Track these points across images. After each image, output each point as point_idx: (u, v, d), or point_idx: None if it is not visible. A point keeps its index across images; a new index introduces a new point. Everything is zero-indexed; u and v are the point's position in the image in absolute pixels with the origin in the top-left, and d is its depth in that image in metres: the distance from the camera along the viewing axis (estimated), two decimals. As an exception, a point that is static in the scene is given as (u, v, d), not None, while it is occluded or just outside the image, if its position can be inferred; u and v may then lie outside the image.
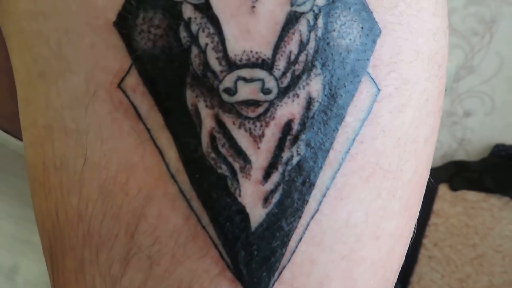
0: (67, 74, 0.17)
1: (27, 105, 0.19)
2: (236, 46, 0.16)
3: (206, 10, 0.15)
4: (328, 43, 0.16)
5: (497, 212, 1.10)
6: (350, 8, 0.16)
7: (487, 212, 1.10)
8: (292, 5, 0.15)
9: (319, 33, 0.16)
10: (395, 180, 0.18)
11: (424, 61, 0.18)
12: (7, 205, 0.36)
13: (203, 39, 0.16)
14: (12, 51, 0.20)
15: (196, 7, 0.15)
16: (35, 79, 0.18)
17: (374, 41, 0.17)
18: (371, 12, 0.16)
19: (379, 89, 0.17)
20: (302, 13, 0.16)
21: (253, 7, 0.15)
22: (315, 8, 0.16)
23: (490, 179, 1.12)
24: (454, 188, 1.14)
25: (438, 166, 1.26)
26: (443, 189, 1.14)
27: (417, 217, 0.23)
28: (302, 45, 0.16)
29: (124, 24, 0.16)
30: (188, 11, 0.15)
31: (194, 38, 0.16)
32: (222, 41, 0.16)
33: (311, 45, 0.16)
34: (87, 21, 0.16)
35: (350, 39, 0.16)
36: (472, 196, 1.12)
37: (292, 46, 0.16)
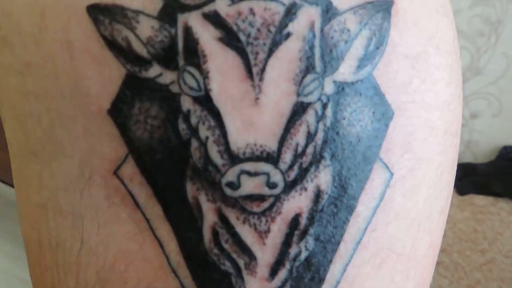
0: (60, 156, 0.16)
1: (21, 178, 0.18)
2: (239, 139, 0.14)
3: (206, 102, 0.14)
4: (337, 133, 0.15)
5: (506, 216, 1.08)
6: (361, 94, 0.15)
7: (496, 217, 1.09)
8: (298, 95, 0.14)
9: (328, 123, 0.15)
10: (408, 262, 0.17)
11: (438, 135, 0.17)
12: (4, 244, 0.36)
13: (203, 132, 0.15)
14: (5, 121, 0.19)
15: (196, 99, 0.14)
16: (28, 157, 0.17)
17: (386, 125, 0.15)
18: (383, 95, 0.15)
19: (392, 174, 0.16)
20: (310, 103, 0.14)
21: (257, 98, 0.14)
22: (324, 98, 0.15)
23: (498, 183, 1.11)
24: (461, 192, 1.12)
25: (445, 169, 1.25)
26: (450, 194, 1.13)
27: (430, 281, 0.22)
28: (310, 137, 0.15)
29: (118, 113, 0.15)
30: (187, 103, 0.14)
31: (194, 131, 0.15)
32: (224, 134, 0.14)
33: (319, 136, 0.15)
34: (80, 106, 0.15)
35: (361, 126, 0.15)
36: (480, 200, 1.11)
37: (299, 138, 0.15)
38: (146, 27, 0.14)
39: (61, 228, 0.17)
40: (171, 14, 0.14)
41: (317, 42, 0.14)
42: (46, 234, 0.17)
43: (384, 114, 0.15)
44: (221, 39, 0.14)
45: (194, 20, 0.14)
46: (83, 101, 0.15)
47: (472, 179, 1.14)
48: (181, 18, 0.14)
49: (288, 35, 0.14)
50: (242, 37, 0.14)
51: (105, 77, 0.15)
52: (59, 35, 0.15)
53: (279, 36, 0.14)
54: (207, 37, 0.14)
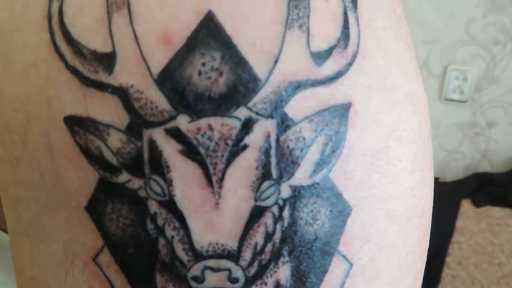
0: (47, 240, 0.18)
1: (16, 251, 0.20)
2: (202, 239, 0.16)
3: (170, 206, 0.15)
4: (295, 232, 0.16)
5: (524, 228, 1.06)
6: (317, 196, 0.16)
7: (511, 229, 1.07)
8: (256, 200, 0.15)
9: (285, 224, 0.16)
10: None
11: (401, 221, 0.18)
12: (2, 277, 0.38)
13: (169, 232, 0.16)
14: (2, 198, 0.20)
15: (161, 203, 0.16)
16: (21, 235, 0.19)
17: (344, 221, 0.16)
18: (341, 194, 0.16)
19: (351, 264, 0.17)
20: (267, 207, 0.15)
21: (217, 203, 0.15)
22: (280, 201, 0.15)
23: (514, 194, 1.09)
24: (477, 204, 1.11)
25: (461, 179, 1.23)
26: (466, 205, 1.11)
27: None
28: (268, 236, 0.16)
29: (94, 210, 0.16)
30: (153, 207, 0.16)
31: (161, 231, 0.16)
32: (188, 234, 0.16)
33: (277, 235, 0.16)
34: (62, 201, 0.17)
35: (318, 224, 0.16)
36: (496, 212, 1.09)
37: (258, 238, 0.16)
38: (116, 140, 0.15)
39: None
40: (137, 129, 0.15)
41: (273, 152, 0.15)
42: None
43: (341, 211, 0.16)
44: (182, 152, 0.15)
45: (158, 135, 0.15)
46: (64, 197, 0.17)
47: (489, 190, 1.13)
48: (146, 133, 0.15)
49: (244, 146, 0.15)
50: (202, 150, 0.15)
51: (82, 179, 0.16)
52: (42, 139, 0.17)
53: (236, 148, 0.15)
54: (169, 150, 0.15)
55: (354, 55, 0.17)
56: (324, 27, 0.16)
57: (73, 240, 0.17)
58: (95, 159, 0.16)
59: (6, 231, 0.32)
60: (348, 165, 0.16)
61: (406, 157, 0.18)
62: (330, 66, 0.16)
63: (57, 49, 0.16)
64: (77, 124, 0.16)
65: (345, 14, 0.17)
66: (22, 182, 0.18)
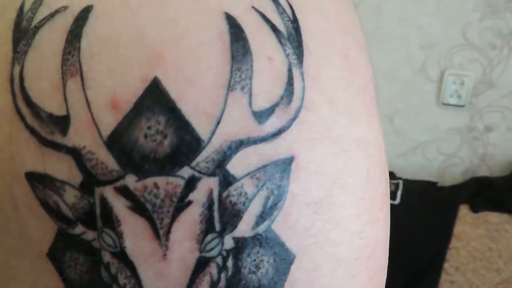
0: (16, 279, 0.19)
1: None
2: (152, 286, 0.17)
3: (122, 257, 0.17)
4: (239, 280, 0.17)
5: (522, 233, 1.06)
6: (260, 245, 0.17)
7: (511, 235, 1.07)
8: (201, 251, 0.16)
9: (229, 273, 0.17)
10: None
11: (347, 263, 0.19)
12: None
13: (121, 280, 0.17)
14: None
15: (114, 254, 0.17)
16: None
17: (288, 268, 0.17)
18: (284, 243, 0.17)
19: None
20: (212, 258, 0.16)
21: (165, 254, 0.16)
22: (224, 252, 0.17)
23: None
24: (475, 209, 1.11)
25: (459, 184, 1.23)
26: (463, 211, 1.11)
27: None
28: (213, 285, 0.17)
29: (54, 257, 0.17)
30: (107, 257, 0.17)
31: (114, 278, 0.17)
32: (139, 282, 0.17)
33: (222, 284, 0.17)
34: (26, 247, 0.18)
35: (262, 272, 0.17)
36: (494, 217, 1.09)
37: (203, 286, 0.17)
38: (71, 195, 0.17)
39: None
40: (89, 186, 0.16)
41: (215, 207, 0.16)
42: None
43: (284, 259, 0.17)
44: (131, 208, 0.16)
45: (108, 192, 0.16)
46: (28, 243, 0.18)
47: (487, 195, 1.13)
48: (98, 190, 0.16)
49: (189, 203, 0.16)
50: (149, 206, 0.16)
51: (42, 228, 0.17)
52: (6, 189, 0.18)
53: (181, 204, 0.16)
54: (119, 206, 0.16)
55: (298, 110, 0.18)
56: (267, 86, 0.17)
57: (38, 282, 0.18)
58: (53, 211, 0.17)
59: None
60: (290, 216, 0.17)
61: (351, 203, 0.19)
62: (272, 123, 0.17)
63: (18, 110, 0.17)
64: (36, 180, 0.17)
65: (290, 71, 0.18)
66: None
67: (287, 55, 0.18)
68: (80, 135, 0.16)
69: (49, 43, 0.17)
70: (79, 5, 0.17)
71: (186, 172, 0.16)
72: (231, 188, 0.17)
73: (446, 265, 1.09)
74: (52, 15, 0.17)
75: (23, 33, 0.17)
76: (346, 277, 0.19)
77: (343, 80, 0.20)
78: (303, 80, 0.18)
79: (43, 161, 0.17)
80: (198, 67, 0.16)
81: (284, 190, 0.17)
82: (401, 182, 1.22)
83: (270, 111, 0.17)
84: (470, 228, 1.10)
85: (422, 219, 1.15)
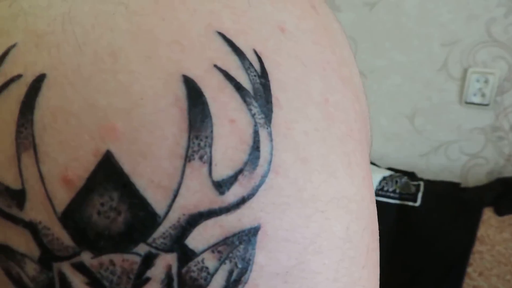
0: None
1: None
2: None
3: None
4: None
5: (550, 238, 1.02)
6: None
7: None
8: None
9: None
10: None
11: None
12: None
13: None
14: None
15: None
16: None
17: None
18: None
19: None
20: None
21: None
22: None
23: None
24: (500, 212, 1.07)
25: (483, 185, 1.18)
26: (488, 214, 1.07)
27: None
28: None
29: None
30: None
31: None
32: None
33: None
34: None
35: None
36: (521, 221, 1.04)
37: None
38: (31, 268, 0.16)
39: None
40: (47, 261, 0.16)
41: (175, 283, 0.16)
42: None
43: None
44: (88, 284, 0.16)
45: (66, 268, 0.16)
46: None
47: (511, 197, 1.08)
48: (55, 266, 0.16)
49: (147, 279, 0.16)
50: (106, 283, 0.16)
51: None
52: None
53: (139, 282, 0.16)
54: (77, 281, 0.16)
55: (265, 175, 0.17)
56: (229, 152, 0.16)
57: None
58: (16, 282, 0.17)
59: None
60: None
61: (326, 268, 0.18)
62: (235, 192, 0.16)
63: None
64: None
65: (256, 132, 0.17)
66: None
67: (253, 115, 0.17)
68: (36, 210, 0.16)
69: (3, 113, 0.17)
70: (32, 73, 0.16)
71: (142, 248, 0.16)
72: (191, 264, 0.16)
73: (469, 270, 1.05)
74: (6, 84, 0.17)
75: None
76: None
77: (319, 132, 0.19)
78: (271, 140, 0.17)
79: (4, 232, 0.17)
80: (152, 138, 0.16)
81: (250, 262, 0.16)
82: (422, 183, 1.18)
83: (233, 179, 0.16)
84: (495, 232, 1.06)
85: (444, 221, 1.11)
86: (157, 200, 0.15)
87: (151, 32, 0.17)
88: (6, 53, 0.17)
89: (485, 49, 1.09)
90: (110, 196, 0.15)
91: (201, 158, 0.16)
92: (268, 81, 0.18)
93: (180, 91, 0.16)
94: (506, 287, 1.02)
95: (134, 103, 0.16)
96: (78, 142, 0.16)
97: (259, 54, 0.18)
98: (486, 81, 1.11)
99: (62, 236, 0.16)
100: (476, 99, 1.14)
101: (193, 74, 0.16)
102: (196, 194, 0.16)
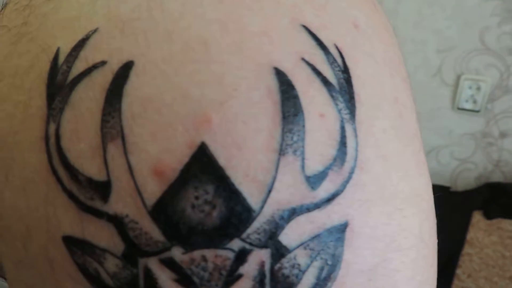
0: None
1: None
2: None
3: None
4: None
5: (537, 242, 1.05)
6: None
7: (526, 242, 1.05)
8: None
9: None
10: None
11: None
12: None
13: None
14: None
15: None
16: None
17: None
18: None
19: None
20: None
21: None
22: None
23: (528, 206, 1.07)
24: (489, 216, 1.09)
25: (472, 189, 1.21)
26: (477, 217, 1.10)
27: None
28: None
29: None
30: None
31: None
32: None
33: None
34: None
35: None
36: (508, 225, 1.07)
37: None
38: (112, 264, 0.16)
39: None
40: (132, 257, 0.15)
41: (267, 280, 0.15)
42: None
43: None
44: (177, 280, 0.15)
45: (153, 264, 0.15)
46: None
47: (501, 201, 1.11)
48: (141, 261, 0.15)
49: (239, 276, 0.15)
50: (196, 280, 0.15)
51: None
52: (42, 250, 0.17)
53: (231, 278, 0.15)
54: (164, 278, 0.15)
55: (352, 171, 0.17)
56: (319, 147, 0.16)
57: None
58: (92, 278, 0.16)
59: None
60: (344, 286, 0.16)
61: (405, 266, 0.18)
62: (326, 188, 0.16)
63: (54, 171, 0.16)
64: (74, 245, 0.16)
65: (342, 128, 0.17)
66: (24, 282, 0.18)
67: (339, 110, 0.17)
68: (123, 203, 0.15)
69: (87, 101, 0.16)
70: (118, 60, 0.16)
71: (236, 244, 0.15)
72: (284, 260, 0.15)
73: (459, 272, 1.08)
74: (89, 70, 0.16)
75: (58, 88, 0.16)
76: None
77: (395, 130, 0.18)
78: (356, 136, 0.17)
79: (82, 226, 0.16)
80: (247, 130, 0.15)
81: (339, 258, 0.16)
82: (413, 186, 1.20)
83: (324, 174, 0.16)
84: (483, 235, 1.08)
85: (434, 224, 1.13)
86: (252, 194, 0.15)
87: (240, 21, 0.16)
88: (86, 38, 0.16)
89: (478, 57, 1.12)
90: (205, 189, 0.15)
91: (294, 152, 0.16)
92: (350, 76, 0.18)
93: (273, 83, 0.16)
94: (493, 289, 1.05)
95: (228, 94, 0.15)
96: (171, 133, 0.15)
97: (340, 50, 0.18)
98: (478, 88, 1.14)
99: (151, 230, 0.15)
100: (468, 106, 1.17)
101: (283, 67, 0.16)
102: (289, 189, 0.15)
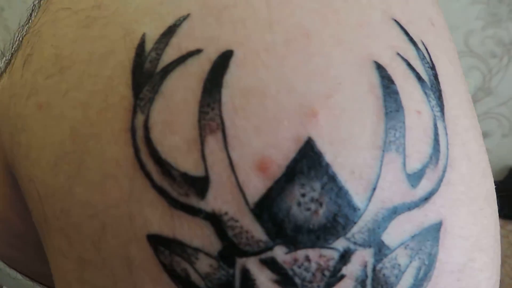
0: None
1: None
2: None
3: None
4: None
5: (515, 239, 1.09)
6: None
7: (504, 239, 1.09)
8: None
9: None
10: None
11: None
12: None
13: None
14: (52, 271, 0.19)
15: None
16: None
17: None
18: None
19: None
20: None
21: None
22: None
23: (507, 205, 1.11)
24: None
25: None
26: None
27: None
28: None
29: None
30: None
31: None
32: None
33: None
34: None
35: None
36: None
37: None
38: (205, 265, 0.15)
39: None
40: (229, 256, 0.15)
41: (369, 281, 0.15)
42: None
43: None
44: (277, 281, 0.15)
45: (252, 264, 0.14)
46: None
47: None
48: (239, 261, 0.15)
49: (341, 277, 0.15)
50: (298, 281, 0.14)
51: None
52: (119, 249, 0.16)
53: (334, 279, 0.15)
54: (263, 279, 0.14)
55: (444, 169, 0.16)
56: (417, 145, 0.16)
57: None
58: (180, 279, 0.15)
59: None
60: (437, 286, 0.16)
61: (486, 266, 0.18)
62: (424, 186, 0.16)
63: (142, 166, 0.15)
64: (162, 244, 0.15)
65: (435, 125, 0.16)
66: (89, 282, 0.17)
67: (432, 108, 0.16)
68: (222, 200, 0.14)
69: (181, 91, 0.15)
70: (215, 49, 0.15)
71: (341, 243, 0.15)
72: (385, 260, 0.15)
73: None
74: (183, 58, 0.15)
75: (147, 77, 0.15)
76: None
77: (474, 129, 0.18)
78: (446, 134, 0.17)
79: (172, 224, 0.15)
80: (352, 126, 0.15)
81: (435, 258, 0.16)
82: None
83: (422, 172, 0.16)
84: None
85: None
86: (358, 193, 0.15)
87: (338, 13, 0.16)
88: (177, 24, 0.15)
89: (463, 59, 1.15)
90: (311, 186, 0.14)
91: (397, 149, 0.15)
92: (437, 73, 0.17)
93: (374, 78, 0.15)
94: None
95: (332, 88, 0.15)
96: (276, 127, 0.14)
97: (426, 46, 0.18)
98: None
99: (253, 229, 0.14)
100: (452, 106, 1.20)
101: (382, 62, 0.16)
102: (392, 187, 0.15)
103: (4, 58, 0.25)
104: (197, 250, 0.15)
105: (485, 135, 1.23)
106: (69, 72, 0.17)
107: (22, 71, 0.20)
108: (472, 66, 1.15)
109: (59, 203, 0.17)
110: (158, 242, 0.15)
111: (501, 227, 1.08)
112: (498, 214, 0.20)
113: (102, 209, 0.16)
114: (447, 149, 0.17)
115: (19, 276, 0.29)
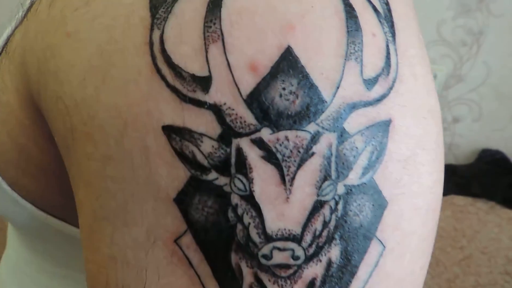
0: (131, 224, 0.21)
1: (91, 234, 0.23)
2: (273, 225, 0.20)
3: (250, 199, 0.19)
4: (345, 221, 0.20)
5: (484, 216, 1.16)
6: (364, 193, 0.20)
7: (474, 216, 1.17)
8: (318, 195, 0.19)
9: (339, 214, 0.20)
10: None
11: (421, 213, 0.23)
12: (44, 263, 0.41)
13: (246, 219, 0.20)
14: (78, 188, 0.23)
15: (242, 197, 0.19)
16: (101, 220, 0.22)
17: (382, 213, 0.21)
18: (381, 191, 0.21)
19: (384, 246, 0.21)
20: (326, 201, 0.20)
21: (288, 198, 0.19)
22: (336, 197, 0.20)
23: (477, 185, 1.18)
24: (443, 193, 1.20)
25: (428, 170, 1.32)
26: (432, 195, 1.20)
27: None
28: (325, 224, 0.20)
29: (182, 201, 0.20)
30: (235, 199, 0.19)
31: (239, 218, 0.20)
32: (262, 221, 0.19)
33: (332, 223, 0.20)
34: (151, 192, 0.20)
35: (363, 215, 0.20)
36: (460, 200, 1.18)
37: (317, 225, 0.20)
38: (208, 146, 0.19)
39: (127, 275, 0.21)
40: (227, 138, 0.19)
41: (333, 158, 0.19)
42: (114, 278, 0.22)
43: (380, 205, 0.21)
44: (263, 157, 0.19)
45: (244, 143, 0.19)
46: (154, 189, 0.20)
47: (453, 180, 1.22)
48: (235, 141, 0.19)
49: (312, 154, 0.19)
50: (279, 156, 0.19)
51: (173, 176, 0.20)
52: (138, 141, 0.20)
53: (306, 155, 0.19)
54: (253, 155, 0.19)
55: (394, 80, 0.21)
56: (372, 58, 0.20)
57: (157, 225, 0.20)
58: (188, 160, 0.19)
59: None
60: (387, 169, 0.21)
61: (428, 162, 0.23)
62: (377, 90, 0.20)
63: (158, 70, 0.19)
64: (174, 132, 0.19)
65: (387, 46, 0.21)
66: (110, 177, 0.21)
67: (385, 33, 0.21)
68: (221, 93, 0.19)
69: (189, 12, 0.19)
70: None
71: (312, 127, 0.19)
72: (346, 143, 0.20)
73: (415, 245, 1.17)
74: None
75: (162, 1, 0.19)
76: (419, 224, 0.23)
77: (420, 58, 0.23)
78: (396, 55, 0.21)
79: (182, 115, 0.19)
80: (321, 38, 0.19)
81: (385, 146, 0.20)
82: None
83: (375, 80, 0.20)
84: (438, 211, 1.19)
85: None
86: (325, 89, 0.19)
87: None
88: None
89: (435, 48, 1.22)
90: (290, 82, 0.19)
91: (356, 59, 0.20)
92: (391, 9, 0.22)
93: (339, 5, 0.20)
94: (446, 258, 1.15)
95: (306, 10, 0.19)
96: (264, 37, 0.19)
97: None
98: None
99: (245, 115, 0.19)
100: (425, 92, 1.27)
101: None
102: (351, 87, 0.20)
103: (22, 8, 0.29)
104: (202, 134, 0.19)
105: (456, 120, 1.30)
106: (94, 3, 0.21)
107: (48, 10, 0.23)
108: (444, 55, 1.22)
109: (86, 109, 0.21)
110: (171, 131, 0.19)
111: (471, 205, 1.15)
112: (441, 128, 0.25)
113: (125, 109, 0.20)
114: (397, 66, 0.21)
115: (33, 208, 0.33)
